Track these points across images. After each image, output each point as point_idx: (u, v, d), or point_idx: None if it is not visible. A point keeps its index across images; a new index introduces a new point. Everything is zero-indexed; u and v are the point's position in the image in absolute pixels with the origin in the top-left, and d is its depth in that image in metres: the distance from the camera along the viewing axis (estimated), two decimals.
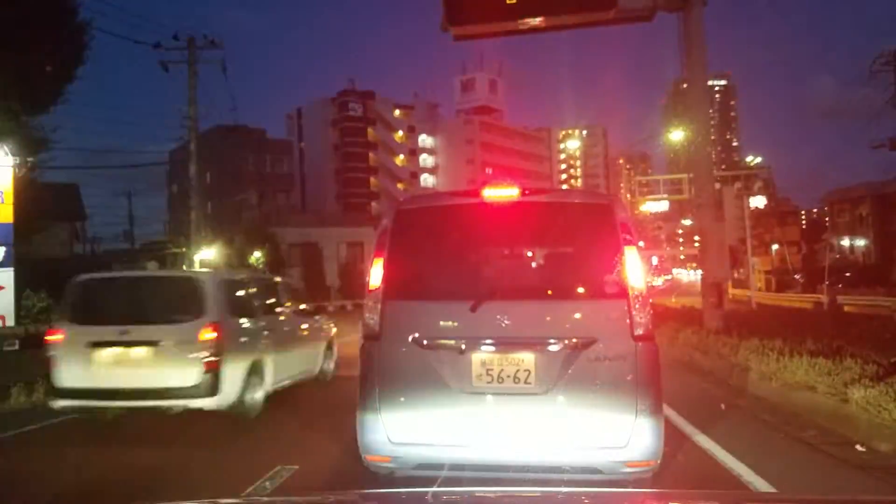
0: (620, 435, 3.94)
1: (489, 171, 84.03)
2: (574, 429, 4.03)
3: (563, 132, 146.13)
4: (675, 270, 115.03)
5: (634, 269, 4.09)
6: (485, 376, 4.15)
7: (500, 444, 4.12)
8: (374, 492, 3.79)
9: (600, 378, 4.01)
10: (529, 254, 5.05)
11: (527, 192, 4.46)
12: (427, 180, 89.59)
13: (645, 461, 3.97)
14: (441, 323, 4.33)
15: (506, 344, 4.14)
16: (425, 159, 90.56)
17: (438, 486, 2.92)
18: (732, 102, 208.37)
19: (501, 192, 4.43)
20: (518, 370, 4.11)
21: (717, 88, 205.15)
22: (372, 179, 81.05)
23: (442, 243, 4.66)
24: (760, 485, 4.91)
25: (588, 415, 4.00)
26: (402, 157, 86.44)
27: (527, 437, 4.09)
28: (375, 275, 4.38)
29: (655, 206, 42.53)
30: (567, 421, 4.04)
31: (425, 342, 4.24)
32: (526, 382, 4.10)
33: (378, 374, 4.29)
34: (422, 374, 4.20)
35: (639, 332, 4.03)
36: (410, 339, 4.26)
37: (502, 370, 4.13)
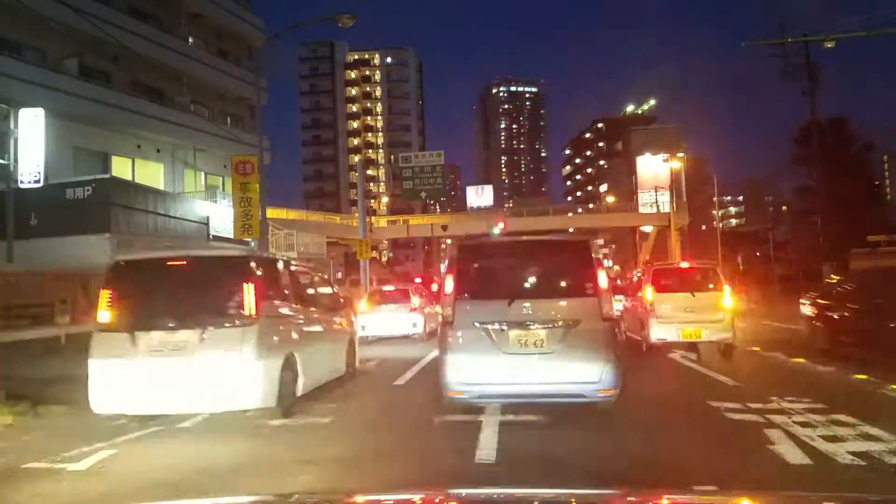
0: (596, 374, 6.88)
1: None
2: (569, 372, 6.90)
3: (353, 55, 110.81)
4: None
5: (602, 279, 7.07)
6: (517, 344, 6.93)
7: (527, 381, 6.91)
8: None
9: (584, 342, 6.93)
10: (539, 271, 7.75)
11: (543, 235, 7.43)
12: None
13: (610, 389, 6.93)
14: (490, 312, 7.06)
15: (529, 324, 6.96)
16: None
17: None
18: (542, 111, 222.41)
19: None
20: (536, 339, 6.93)
21: (527, 95, 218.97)
22: None
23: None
24: None
25: (577, 363, 6.90)
26: None
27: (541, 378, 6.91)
28: (448, 284, 7.07)
29: None
30: (565, 368, 6.90)
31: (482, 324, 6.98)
32: (541, 346, 6.93)
33: (453, 344, 6.97)
34: (481, 341, 6.94)
35: (605, 315, 7.02)
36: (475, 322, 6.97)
37: (527, 340, 6.94)
